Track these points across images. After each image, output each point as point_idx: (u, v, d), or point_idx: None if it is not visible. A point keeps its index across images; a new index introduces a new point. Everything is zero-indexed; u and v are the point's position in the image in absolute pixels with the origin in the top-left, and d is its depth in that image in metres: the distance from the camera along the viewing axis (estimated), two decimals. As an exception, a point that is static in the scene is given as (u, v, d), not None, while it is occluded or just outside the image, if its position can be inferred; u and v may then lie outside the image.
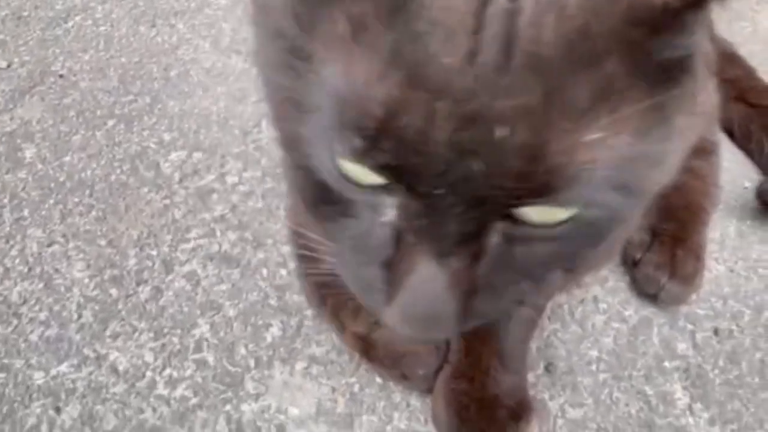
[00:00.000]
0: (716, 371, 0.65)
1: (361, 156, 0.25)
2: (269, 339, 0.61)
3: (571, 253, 0.30)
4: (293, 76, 0.27)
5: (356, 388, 0.59)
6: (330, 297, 0.59)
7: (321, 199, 0.31)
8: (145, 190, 0.74)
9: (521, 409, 0.54)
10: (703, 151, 0.77)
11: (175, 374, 0.58)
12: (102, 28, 0.97)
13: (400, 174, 0.26)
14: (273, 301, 0.65)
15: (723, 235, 0.78)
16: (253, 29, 0.33)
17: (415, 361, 0.56)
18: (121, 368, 0.58)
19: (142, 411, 0.55)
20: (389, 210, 0.28)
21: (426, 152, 0.24)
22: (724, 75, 0.93)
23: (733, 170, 0.87)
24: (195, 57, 0.93)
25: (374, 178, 0.27)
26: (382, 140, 0.24)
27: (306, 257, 0.58)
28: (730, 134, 0.93)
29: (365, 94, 0.24)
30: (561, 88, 0.23)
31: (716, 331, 0.68)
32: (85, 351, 0.59)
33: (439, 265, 0.27)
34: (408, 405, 0.58)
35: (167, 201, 0.73)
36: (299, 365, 0.60)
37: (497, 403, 0.53)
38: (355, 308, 0.58)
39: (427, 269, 0.27)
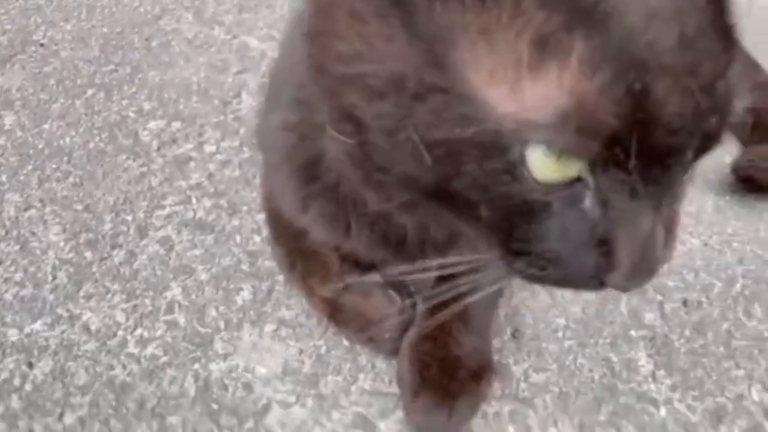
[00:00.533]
0: (682, 340, 0.66)
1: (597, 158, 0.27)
2: (240, 302, 0.63)
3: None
4: (463, 124, 0.28)
5: (323, 350, 0.60)
6: (299, 262, 0.61)
7: (513, 220, 0.31)
8: (123, 157, 0.75)
9: (482, 371, 0.56)
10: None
11: (146, 334, 0.60)
12: (84, -2, 0.98)
13: (628, 156, 0.27)
14: (245, 266, 0.66)
15: (700, 209, 0.80)
16: (375, 107, 0.31)
17: (379, 325, 0.58)
18: (93, 327, 0.60)
19: (112, 368, 0.57)
20: (591, 192, 0.29)
21: (676, 129, 0.27)
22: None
23: (715, 146, 0.88)
24: (177, 27, 0.94)
25: (573, 171, 0.29)
26: (623, 140, 0.26)
27: (280, 224, 0.61)
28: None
29: (591, 107, 0.26)
30: (733, 43, 0.30)
31: (685, 302, 0.70)
32: (59, 310, 0.61)
33: (656, 214, 0.30)
34: (373, 366, 0.60)
35: (144, 168, 0.75)
36: (268, 327, 0.62)
37: (459, 363, 0.55)
38: (323, 274, 0.60)
39: (647, 222, 0.29)
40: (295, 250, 0.60)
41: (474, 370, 0.55)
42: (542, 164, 0.28)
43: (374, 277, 0.61)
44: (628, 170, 0.27)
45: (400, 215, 0.44)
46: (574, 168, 0.28)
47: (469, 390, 0.54)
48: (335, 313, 0.59)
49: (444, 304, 0.57)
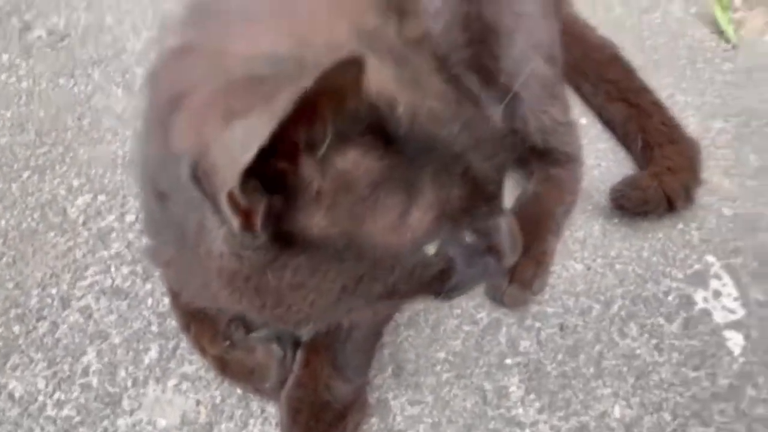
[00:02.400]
0: (554, 365, 0.75)
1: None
2: (147, 361, 0.74)
3: None
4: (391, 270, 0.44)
5: (218, 399, 0.71)
6: (193, 325, 0.71)
7: (435, 283, 0.48)
8: (52, 234, 0.88)
9: (347, 411, 0.65)
10: (563, 160, 0.87)
11: (62, 397, 0.71)
12: (24, 84, 1.11)
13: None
14: (154, 327, 0.77)
15: (586, 234, 0.88)
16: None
17: (261, 376, 0.68)
18: (17, 395, 0.71)
19: (32, 430, 0.68)
20: (471, 232, 0.47)
21: (492, 183, 0.46)
22: (606, 76, 1.02)
23: (610, 167, 0.96)
24: (107, 104, 1.07)
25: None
26: (473, 205, 0.45)
27: (174, 293, 0.71)
28: (614, 131, 1.02)
29: (453, 207, 0.43)
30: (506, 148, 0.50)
31: (562, 327, 0.78)
32: (-12, 382, 0.72)
33: (502, 217, 0.49)
34: (263, 412, 0.70)
35: (71, 243, 0.86)
36: (171, 382, 0.72)
37: (326, 406, 0.65)
38: (212, 334, 0.71)
39: (502, 224, 0.49)
40: (189, 314, 0.71)
41: (339, 411, 0.65)
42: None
43: (261, 332, 0.71)
44: (483, 210, 0.46)
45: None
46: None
47: (334, 430, 0.63)
48: (224, 368, 0.70)
49: (318, 354, 0.67)
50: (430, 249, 0.43)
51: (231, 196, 0.34)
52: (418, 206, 0.40)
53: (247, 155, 0.31)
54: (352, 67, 0.31)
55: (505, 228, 0.50)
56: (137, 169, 0.60)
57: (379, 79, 0.39)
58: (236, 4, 0.43)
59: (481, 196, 0.44)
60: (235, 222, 0.36)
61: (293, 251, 0.40)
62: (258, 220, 0.36)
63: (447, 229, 0.43)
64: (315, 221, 0.38)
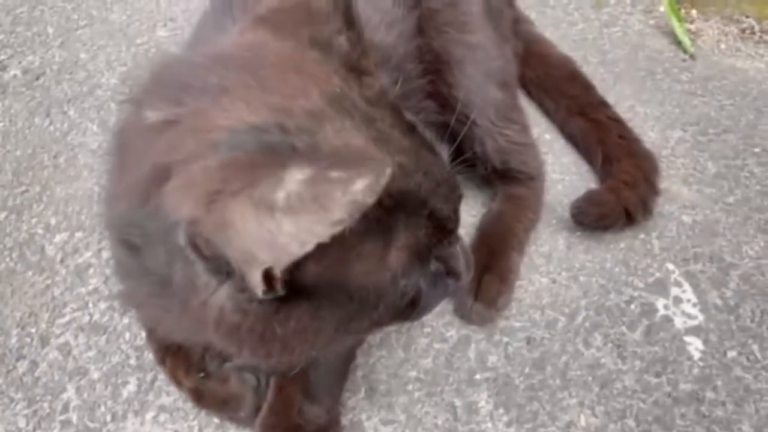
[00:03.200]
0: (522, 378, 0.78)
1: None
2: (126, 394, 0.76)
3: None
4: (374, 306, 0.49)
5: (196, 429, 0.73)
6: (168, 358, 0.74)
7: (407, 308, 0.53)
8: (30, 273, 0.90)
9: (319, 433, 0.67)
10: (523, 179, 0.91)
11: (43, 435, 0.73)
12: (0, 125, 1.14)
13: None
14: (132, 361, 0.79)
15: (551, 248, 0.91)
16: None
17: (236, 405, 0.71)
18: (-2, 435, 0.73)
19: (13, 469, 0.70)
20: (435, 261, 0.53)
21: (450, 218, 0.52)
22: (567, 92, 1.06)
23: (573, 181, 1.00)
24: (83, 141, 1.10)
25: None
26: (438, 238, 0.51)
27: (149, 329, 0.74)
28: (576, 145, 1.06)
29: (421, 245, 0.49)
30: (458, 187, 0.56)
31: (528, 341, 0.81)
32: (-30, 423, 0.74)
33: (458, 245, 0.56)
34: (239, 439, 0.72)
35: (49, 281, 0.89)
36: (149, 414, 0.74)
37: (300, 430, 0.67)
38: (186, 366, 0.73)
39: (457, 252, 0.56)
40: (163, 348, 0.74)
41: (310, 434, 0.67)
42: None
43: (234, 362, 0.73)
44: (445, 241, 0.50)
45: None
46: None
47: (304, 453, 0.66)
48: (200, 399, 0.73)
49: (291, 380, 0.70)
50: (403, 282, 0.48)
51: (268, 272, 0.38)
52: (394, 249, 0.46)
53: (301, 249, 0.35)
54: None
55: (460, 252, 0.56)
56: (104, 220, 0.63)
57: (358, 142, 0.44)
58: (210, 79, 0.46)
59: (443, 233, 0.50)
60: (260, 288, 0.39)
61: (294, 300, 0.44)
62: (279, 285, 0.40)
63: (417, 264, 0.49)
64: (308, 271, 0.42)
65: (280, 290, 0.40)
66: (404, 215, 0.46)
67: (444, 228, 0.50)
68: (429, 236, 0.48)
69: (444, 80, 0.81)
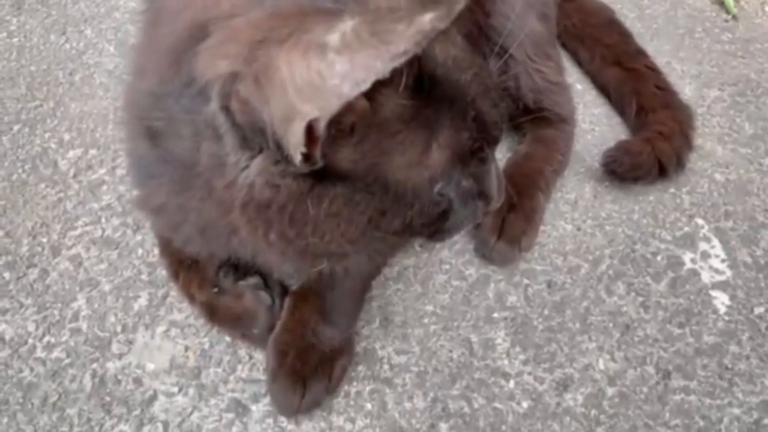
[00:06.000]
0: (540, 319, 0.76)
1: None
2: (136, 308, 0.75)
3: None
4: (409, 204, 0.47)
5: (207, 345, 0.72)
6: (181, 272, 0.72)
7: (438, 220, 0.50)
8: (43, 186, 0.88)
9: (336, 355, 0.67)
10: (555, 120, 0.88)
11: (52, 340, 0.72)
12: (15, 40, 1.11)
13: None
14: (144, 276, 0.78)
15: (578, 196, 0.89)
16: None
17: (249, 322, 0.69)
18: (7, 337, 0.72)
19: (21, 371, 0.69)
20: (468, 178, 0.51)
21: (497, 127, 0.49)
22: (603, 41, 1.03)
23: (604, 132, 0.97)
24: (99, 60, 1.06)
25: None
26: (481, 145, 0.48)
27: (163, 241, 0.72)
28: (609, 96, 1.02)
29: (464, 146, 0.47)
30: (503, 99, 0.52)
31: (549, 284, 0.79)
32: (-22, 325, 0.73)
33: (492, 165, 0.54)
34: (251, 358, 0.71)
35: (61, 194, 0.87)
36: (160, 329, 0.73)
37: (313, 349, 0.66)
38: (200, 280, 0.71)
39: (492, 172, 0.53)
40: (177, 261, 0.72)
41: (328, 355, 0.66)
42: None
43: (250, 279, 0.72)
44: (485, 154, 0.48)
45: None
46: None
47: (320, 372, 0.65)
48: (213, 314, 0.71)
49: (306, 302, 0.68)
50: (440, 185, 0.46)
51: (312, 127, 0.35)
52: (436, 145, 0.43)
53: (356, 89, 0.32)
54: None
55: (494, 174, 0.52)
56: (124, 111, 0.60)
57: None
58: None
59: (486, 140, 0.47)
60: (299, 152, 0.36)
61: (328, 182, 0.41)
62: (318, 151, 0.37)
63: (456, 170, 0.46)
64: (345, 154, 0.40)
65: (318, 159, 0.37)
66: (450, 112, 0.43)
67: (488, 135, 0.47)
68: (472, 140, 0.45)
69: (482, 7, 0.77)
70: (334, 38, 0.32)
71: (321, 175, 0.40)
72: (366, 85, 0.32)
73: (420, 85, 0.40)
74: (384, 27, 0.31)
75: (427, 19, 0.31)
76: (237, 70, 0.35)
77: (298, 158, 0.37)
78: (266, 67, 0.34)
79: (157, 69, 0.44)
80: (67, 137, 0.96)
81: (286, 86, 0.33)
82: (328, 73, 0.32)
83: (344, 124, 0.38)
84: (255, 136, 0.38)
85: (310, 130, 0.35)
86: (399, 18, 0.31)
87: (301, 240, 0.43)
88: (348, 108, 0.34)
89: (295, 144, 0.36)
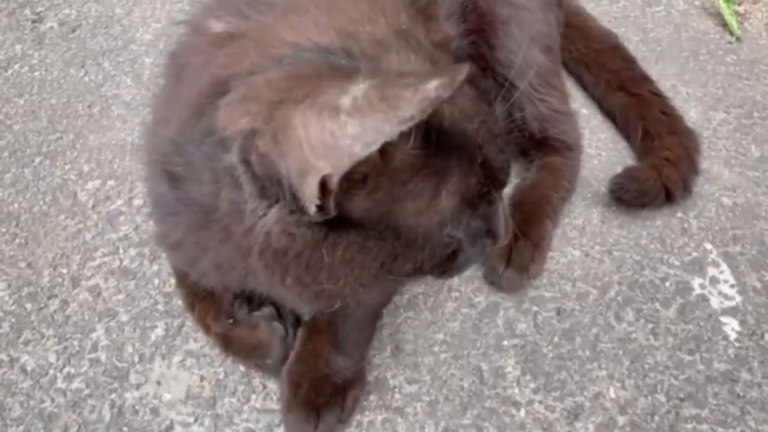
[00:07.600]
0: (550, 347, 0.76)
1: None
2: (153, 338, 0.76)
3: None
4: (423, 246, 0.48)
5: (222, 375, 0.73)
6: (197, 303, 0.74)
7: (447, 259, 0.52)
8: (63, 217, 0.90)
9: (349, 386, 0.68)
10: (561, 148, 0.89)
11: (72, 371, 0.74)
12: (37, 74, 1.14)
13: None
14: (161, 306, 0.80)
15: (585, 221, 0.90)
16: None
17: (264, 352, 0.71)
18: (29, 368, 0.74)
19: (42, 401, 0.71)
20: (477, 218, 0.52)
21: (503, 171, 0.51)
22: (608, 66, 1.04)
23: (610, 157, 0.98)
24: (117, 92, 1.10)
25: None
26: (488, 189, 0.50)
27: (180, 274, 0.74)
28: (614, 122, 1.03)
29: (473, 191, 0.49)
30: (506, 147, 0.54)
31: (558, 311, 0.80)
32: (1, 356, 0.75)
33: (500, 205, 0.55)
34: (264, 387, 0.72)
35: (81, 225, 0.89)
36: (176, 358, 0.75)
37: (326, 380, 0.67)
38: (215, 311, 0.73)
39: (500, 211, 0.54)
40: (193, 293, 0.74)
41: (341, 386, 0.67)
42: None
43: (264, 310, 0.73)
44: (491, 199, 0.50)
45: None
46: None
47: (333, 403, 0.66)
48: (228, 345, 0.73)
49: (319, 332, 0.69)
50: (449, 229, 0.48)
51: (325, 182, 0.37)
52: (446, 191, 0.45)
53: (366, 149, 0.34)
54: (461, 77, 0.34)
55: (501, 213, 0.55)
56: (145, 154, 0.63)
57: None
58: None
59: (494, 184, 0.49)
60: (313, 204, 0.38)
61: (342, 230, 0.43)
62: (331, 202, 0.39)
63: (465, 214, 0.48)
64: (358, 203, 0.42)
65: (332, 210, 0.39)
66: (459, 159, 0.45)
67: (495, 179, 0.49)
68: (480, 185, 0.47)
69: (487, 41, 0.79)
70: (346, 101, 0.34)
71: (335, 224, 0.42)
72: (376, 146, 0.34)
73: (429, 137, 0.41)
74: (393, 92, 0.33)
75: (432, 87, 0.32)
76: (257, 128, 0.37)
77: (312, 209, 0.38)
78: (284, 126, 0.35)
79: (179, 118, 0.46)
80: (86, 168, 0.98)
81: (301, 144, 0.35)
82: (341, 134, 0.33)
83: (356, 176, 0.39)
84: (272, 187, 0.40)
85: (323, 184, 0.37)
86: (406, 84, 0.33)
87: (317, 285, 0.45)
88: (360, 161, 0.36)
89: (309, 196, 0.37)
